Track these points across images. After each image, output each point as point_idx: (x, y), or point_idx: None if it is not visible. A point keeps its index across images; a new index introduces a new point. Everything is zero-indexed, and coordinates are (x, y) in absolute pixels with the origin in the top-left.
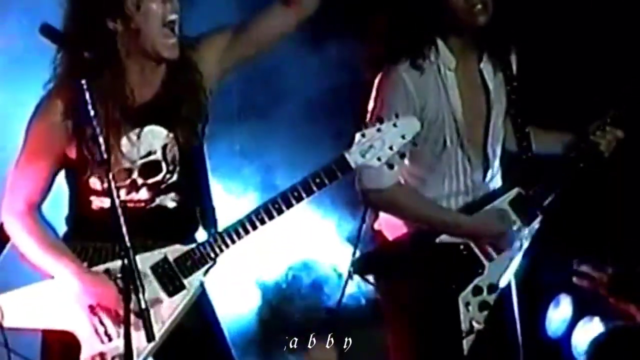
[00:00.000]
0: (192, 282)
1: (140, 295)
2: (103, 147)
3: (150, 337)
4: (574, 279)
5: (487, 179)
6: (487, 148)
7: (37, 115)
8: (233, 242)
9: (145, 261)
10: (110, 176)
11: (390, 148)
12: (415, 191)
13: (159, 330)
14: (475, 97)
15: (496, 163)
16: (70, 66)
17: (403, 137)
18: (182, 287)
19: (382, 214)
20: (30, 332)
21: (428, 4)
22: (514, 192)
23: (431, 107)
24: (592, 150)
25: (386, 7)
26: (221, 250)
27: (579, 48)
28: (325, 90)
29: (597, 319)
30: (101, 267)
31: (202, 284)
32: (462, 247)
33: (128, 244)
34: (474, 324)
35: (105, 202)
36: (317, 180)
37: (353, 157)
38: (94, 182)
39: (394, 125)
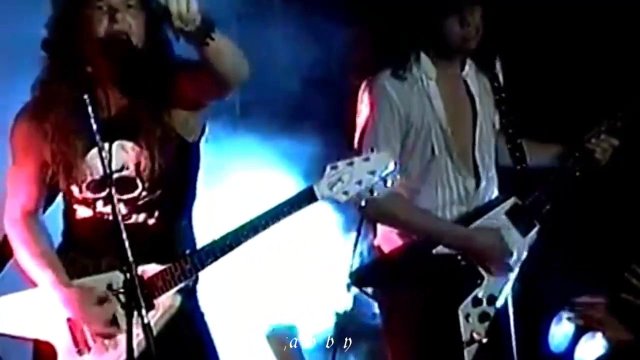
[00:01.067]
0: (162, 302)
1: (143, 311)
2: (100, 163)
3: (151, 352)
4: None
5: (481, 187)
6: (475, 155)
7: (18, 122)
8: (203, 266)
9: (119, 279)
10: (113, 193)
11: (359, 183)
12: (410, 201)
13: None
14: (460, 105)
15: (488, 171)
16: (60, 76)
17: (372, 172)
18: (152, 307)
19: (380, 230)
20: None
21: (421, 26)
22: (510, 202)
23: (416, 116)
24: (587, 157)
25: (377, 19)
26: (191, 274)
27: (570, 58)
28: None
29: (599, 335)
30: (103, 283)
31: (172, 305)
32: (459, 257)
33: (130, 258)
34: (475, 335)
35: (86, 212)
36: (284, 210)
37: (320, 190)
38: (75, 190)
39: (366, 159)
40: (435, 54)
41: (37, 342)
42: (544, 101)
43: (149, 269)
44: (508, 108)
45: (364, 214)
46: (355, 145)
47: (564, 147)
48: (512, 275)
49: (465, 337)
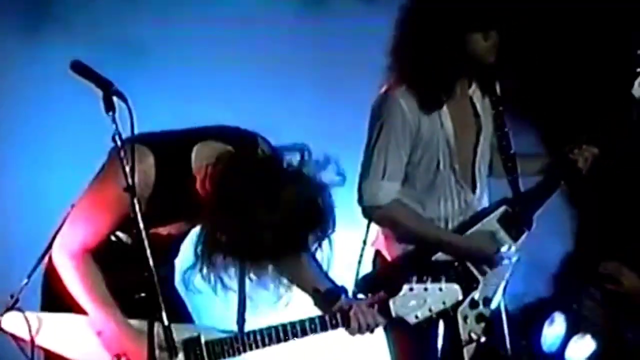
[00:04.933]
0: None
1: None
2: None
3: None
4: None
5: (476, 198)
6: (475, 170)
7: (109, 173)
8: (257, 346)
9: (180, 332)
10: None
11: (430, 310)
12: (413, 209)
13: None
14: (466, 122)
15: (484, 183)
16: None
17: (444, 303)
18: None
19: (380, 235)
20: None
21: (452, 48)
22: (502, 210)
23: (426, 132)
24: (570, 167)
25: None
26: (244, 350)
27: (561, 72)
28: None
29: (588, 336)
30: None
31: None
32: (456, 263)
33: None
34: (473, 335)
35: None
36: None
37: (395, 307)
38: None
39: (440, 289)
40: (454, 72)
41: None
42: (535, 112)
43: (206, 332)
44: (503, 121)
45: (369, 218)
46: (363, 153)
47: (549, 158)
48: (505, 278)
49: (464, 337)
